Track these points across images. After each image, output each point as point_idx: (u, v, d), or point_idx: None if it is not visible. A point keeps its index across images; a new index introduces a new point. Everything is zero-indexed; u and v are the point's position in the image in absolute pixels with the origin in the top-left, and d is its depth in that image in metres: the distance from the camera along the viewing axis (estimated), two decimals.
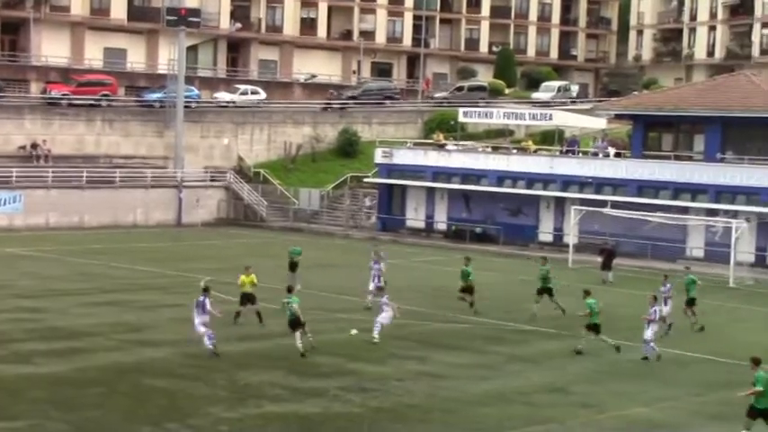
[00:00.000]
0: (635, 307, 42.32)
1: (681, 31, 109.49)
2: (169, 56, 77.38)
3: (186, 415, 24.14)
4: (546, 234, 63.03)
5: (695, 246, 57.43)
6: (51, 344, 31.14)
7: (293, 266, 42.35)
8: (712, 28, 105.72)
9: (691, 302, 37.93)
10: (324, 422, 23.99)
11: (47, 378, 27.17)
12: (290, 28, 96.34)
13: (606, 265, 49.46)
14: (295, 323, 30.42)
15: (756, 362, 23.71)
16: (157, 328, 32.12)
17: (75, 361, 29.24)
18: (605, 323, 34.68)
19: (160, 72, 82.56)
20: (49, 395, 25.43)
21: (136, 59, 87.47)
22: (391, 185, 69.26)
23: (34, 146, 68.28)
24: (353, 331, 33.27)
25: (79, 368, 28.42)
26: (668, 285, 37.57)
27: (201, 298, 29.99)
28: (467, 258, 39.91)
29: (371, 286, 39.22)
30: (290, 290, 31.32)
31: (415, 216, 68.49)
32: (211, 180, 73.47)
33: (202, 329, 29.80)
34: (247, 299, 34.79)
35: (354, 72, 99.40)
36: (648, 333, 32.08)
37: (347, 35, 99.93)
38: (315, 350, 30.67)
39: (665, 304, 36.36)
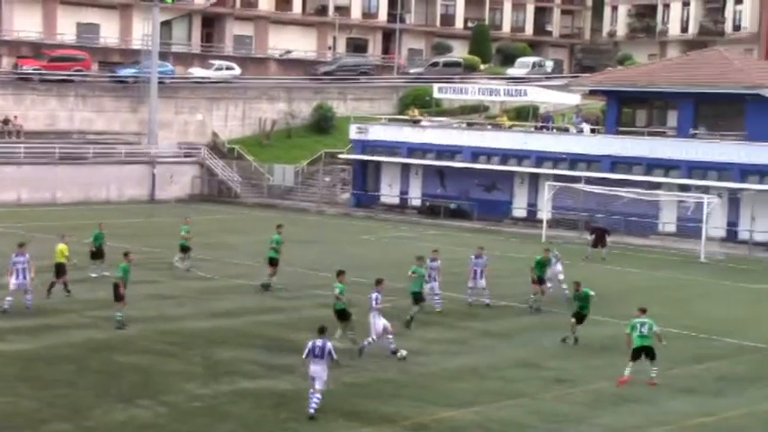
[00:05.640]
0: (618, 283, 42.89)
1: (655, 7, 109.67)
2: (143, 31, 76.87)
3: (159, 391, 24.18)
4: (520, 210, 63.26)
5: (668, 221, 57.75)
6: (22, 321, 31.01)
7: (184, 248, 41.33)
8: (686, 4, 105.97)
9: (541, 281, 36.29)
10: (297, 399, 24.04)
11: (18, 355, 27.15)
12: (266, 3, 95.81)
13: (600, 243, 48.79)
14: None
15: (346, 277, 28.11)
16: (131, 305, 32.06)
17: (46, 338, 29.20)
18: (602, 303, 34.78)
19: (134, 47, 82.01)
20: (19, 372, 25.43)
21: (109, 34, 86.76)
22: (366, 161, 69.25)
23: (6, 121, 67.91)
24: (402, 352, 28.66)
25: (50, 345, 28.38)
26: (437, 262, 35.26)
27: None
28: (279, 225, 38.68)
29: (470, 283, 36.38)
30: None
31: (389, 192, 68.52)
32: (185, 156, 73.20)
33: None
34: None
35: (330, 48, 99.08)
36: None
37: (322, 11, 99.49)
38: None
39: (435, 280, 34.68)
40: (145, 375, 25.59)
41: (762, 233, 54.64)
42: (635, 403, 25.01)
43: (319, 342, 22.86)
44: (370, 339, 28.28)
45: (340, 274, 29.44)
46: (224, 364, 26.89)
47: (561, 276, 37.68)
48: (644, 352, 26.49)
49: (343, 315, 29.22)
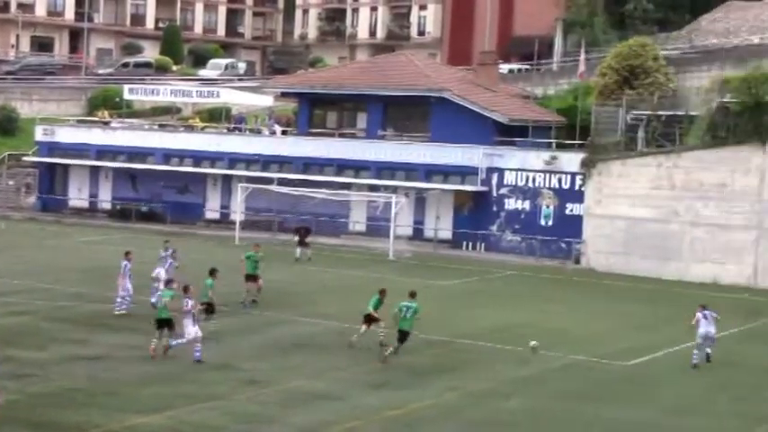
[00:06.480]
0: (310, 283, 43.44)
1: (344, 11, 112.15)
2: None
3: None
4: (213, 212, 63.08)
5: (358, 220, 59.19)
6: None
7: None
8: (374, 9, 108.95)
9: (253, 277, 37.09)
10: None
11: None
12: None
13: (302, 243, 49.93)
14: None
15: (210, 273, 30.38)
16: None
17: None
18: (280, 298, 35.43)
19: None
20: None
21: None
22: (53, 164, 67.01)
23: None
24: (533, 343, 30.78)
25: None
26: (170, 251, 36.58)
27: None
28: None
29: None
30: None
31: (78, 195, 66.66)
32: None
33: None
34: None
35: (12, 46, 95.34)
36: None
37: (4, 7, 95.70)
38: None
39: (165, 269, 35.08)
40: None
41: (445, 231, 56.99)
42: (326, 400, 25.47)
43: None
44: (182, 340, 28.54)
45: (212, 272, 32.30)
46: None
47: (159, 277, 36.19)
48: (403, 334, 29.15)
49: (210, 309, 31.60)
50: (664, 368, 30.93)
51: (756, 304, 42.77)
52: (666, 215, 50.45)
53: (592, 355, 31.87)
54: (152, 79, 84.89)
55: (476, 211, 56.24)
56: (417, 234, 57.46)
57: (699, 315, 31.04)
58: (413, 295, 29.84)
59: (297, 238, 50.35)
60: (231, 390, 25.98)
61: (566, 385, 28.47)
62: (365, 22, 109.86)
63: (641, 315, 39.80)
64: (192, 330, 28.59)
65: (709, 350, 31.23)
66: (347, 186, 58.43)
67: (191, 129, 67.89)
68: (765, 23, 69.07)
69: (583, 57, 60.08)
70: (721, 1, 74.43)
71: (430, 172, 57.41)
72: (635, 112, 54.29)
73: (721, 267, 48.96)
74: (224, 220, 61.50)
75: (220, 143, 63.40)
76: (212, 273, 32.86)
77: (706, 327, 30.89)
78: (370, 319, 30.91)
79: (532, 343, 30.81)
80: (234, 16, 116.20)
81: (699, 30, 71.41)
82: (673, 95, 57.58)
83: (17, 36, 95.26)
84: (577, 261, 52.53)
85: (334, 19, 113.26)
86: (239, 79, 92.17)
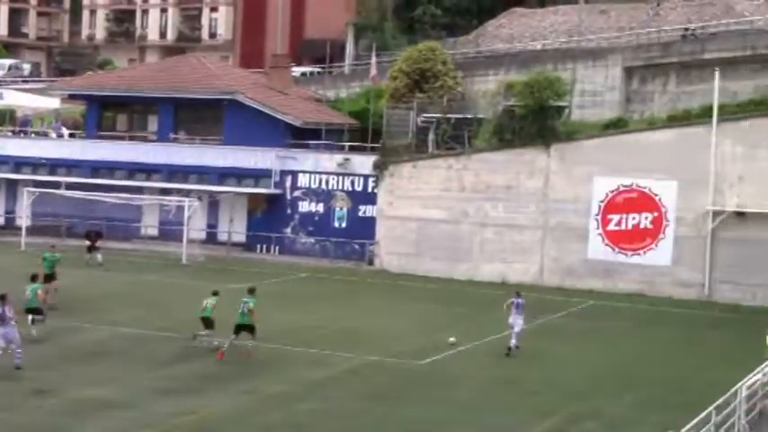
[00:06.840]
0: (102, 288, 42.48)
1: (134, 12, 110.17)
2: None
3: None
4: None
5: (150, 224, 58.22)
6: None
7: None
8: (164, 10, 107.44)
9: (50, 278, 37.39)
10: None
11: None
12: None
13: (93, 247, 49.15)
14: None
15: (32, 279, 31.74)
16: None
17: None
18: (70, 304, 34.48)
19: None
20: None
21: None
22: None
23: None
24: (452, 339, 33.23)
25: None
26: None
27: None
28: None
29: None
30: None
31: None
32: None
33: None
34: None
35: None
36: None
37: None
38: None
39: None
40: None
41: (239, 234, 56.66)
42: (117, 408, 24.90)
43: None
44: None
45: (33, 277, 32.37)
46: None
47: None
48: (243, 329, 30.34)
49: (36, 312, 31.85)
50: (457, 366, 31.56)
51: (544, 301, 44.17)
52: (457, 216, 51.54)
53: (386, 355, 32.25)
54: None
55: (270, 213, 56.16)
56: (211, 238, 57.00)
57: (510, 301, 33.16)
58: (251, 291, 31.13)
59: (87, 243, 49.51)
60: (18, 401, 25.21)
61: (360, 386, 28.71)
62: (155, 24, 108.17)
63: (434, 314, 40.56)
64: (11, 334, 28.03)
65: (512, 344, 32.43)
66: (139, 190, 57.42)
67: None
68: (547, 30, 71.47)
69: (374, 60, 60.77)
70: (505, 8, 76.59)
71: (223, 175, 57.01)
72: (425, 114, 55.22)
73: (509, 266, 50.38)
74: (9, 226, 59.58)
75: (4, 146, 61.40)
76: (33, 278, 32.58)
77: (513, 315, 32.87)
78: (208, 323, 31.48)
79: (451, 339, 32.32)
80: (17, 15, 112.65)
81: (485, 35, 73.33)
82: (461, 99, 58.81)
83: None
84: (371, 262, 53.08)
85: (123, 20, 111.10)
86: (24, 80, 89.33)
